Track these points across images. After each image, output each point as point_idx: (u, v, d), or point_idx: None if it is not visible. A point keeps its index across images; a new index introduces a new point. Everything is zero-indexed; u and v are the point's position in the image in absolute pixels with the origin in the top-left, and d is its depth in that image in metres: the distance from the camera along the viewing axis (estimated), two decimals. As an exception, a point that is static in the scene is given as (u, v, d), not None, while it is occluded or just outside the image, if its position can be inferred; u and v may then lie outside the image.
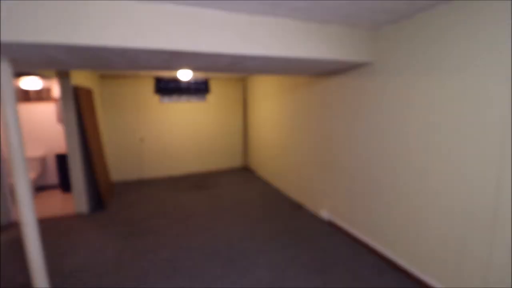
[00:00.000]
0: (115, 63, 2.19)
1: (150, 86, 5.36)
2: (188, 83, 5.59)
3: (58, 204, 4.17)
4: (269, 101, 4.76)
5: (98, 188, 3.90)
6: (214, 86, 5.85)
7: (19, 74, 2.69)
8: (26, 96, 4.81)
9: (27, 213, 1.95)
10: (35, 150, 4.85)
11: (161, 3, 1.68)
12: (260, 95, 5.17)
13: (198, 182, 5.19)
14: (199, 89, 5.69)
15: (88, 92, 4.08)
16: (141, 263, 2.50)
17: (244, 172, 5.82)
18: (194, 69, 2.67)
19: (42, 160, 4.84)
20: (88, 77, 4.34)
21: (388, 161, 2.35)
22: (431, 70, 1.93)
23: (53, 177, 5.01)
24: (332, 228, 3.09)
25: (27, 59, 1.89)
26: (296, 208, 3.73)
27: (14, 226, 3.40)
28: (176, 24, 1.75)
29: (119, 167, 5.37)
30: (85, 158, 3.83)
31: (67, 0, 1.51)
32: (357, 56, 2.32)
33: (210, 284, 2.18)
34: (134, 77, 5.23)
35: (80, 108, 3.64)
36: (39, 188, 4.93)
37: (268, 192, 4.47)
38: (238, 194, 4.40)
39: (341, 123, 2.89)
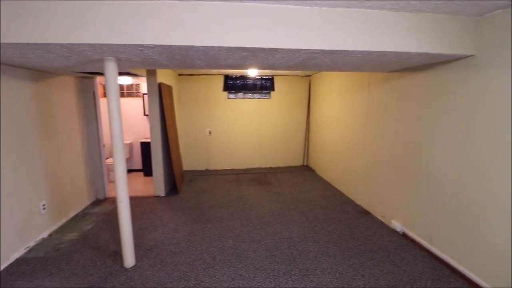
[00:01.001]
0: (197, 63, 2.38)
1: (219, 83, 5.69)
2: (254, 80, 5.74)
3: (141, 186, 4.80)
4: (336, 99, 4.53)
5: (173, 175, 4.35)
6: (278, 83, 5.87)
7: (119, 73, 3.17)
8: (120, 92, 5.66)
9: (122, 192, 2.29)
10: (125, 138, 5.68)
11: (242, 1, 1.74)
12: (326, 93, 4.97)
13: (259, 177, 5.31)
14: (264, 86, 5.79)
15: (169, 88, 4.56)
16: (209, 248, 2.68)
17: (304, 171, 5.71)
18: (266, 67, 2.70)
19: (130, 147, 5.63)
20: (170, 75, 4.84)
21: (489, 173, 1.97)
22: None
23: (137, 162, 5.79)
24: (406, 241, 2.77)
25: (129, 59, 2.20)
26: (362, 214, 3.48)
27: (108, 201, 4.05)
28: (256, 21, 1.79)
29: (189, 157, 5.87)
30: (164, 147, 4.30)
31: (163, 6, 1.69)
32: (456, 49, 1.99)
33: (274, 279, 2.20)
34: (206, 76, 5.62)
35: (162, 102, 4.09)
36: (127, 171, 5.75)
37: (330, 193, 4.28)
38: (298, 192, 4.34)
39: (425, 126, 2.55)
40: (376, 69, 2.95)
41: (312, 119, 5.83)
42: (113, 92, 2.18)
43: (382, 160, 3.23)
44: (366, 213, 3.50)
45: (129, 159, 5.75)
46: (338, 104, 4.46)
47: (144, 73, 3.64)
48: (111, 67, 2.15)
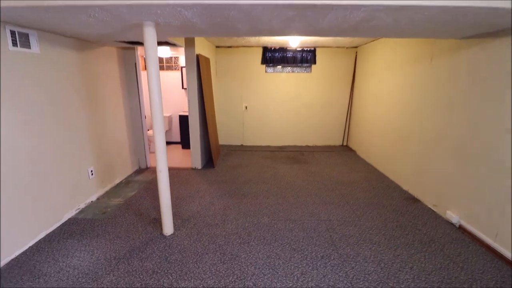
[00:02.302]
0: (238, 27, 2.18)
1: (257, 56, 5.43)
2: (294, 52, 5.36)
3: (179, 158, 4.93)
4: (386, 74, 4.03)
5: (209, 149, 4.36)
6: (321, 56, 5.42)
7: (158, 43, 3.12)
8: (160, 65, 5.72)
9: (162, 162, 2.29)
10: (164, 111, 5.81)
11: None
12: (375, 67, 4.45)
13: (295, 155, 5.13)
14: (305, 58, 5.40)
15: (207, 61, 4.44)
16: (244, 223, 2.64)
17: (344, 152, 5.37)
18: (313, 32, 2.41)
19: (169, 120, 5.77)
20: (207, 47, 4.70)
21: None
22: None
23: (176, 134, 5.95)
24: (463, 235, 2.45)
25: (168, 23, 2.08)
26: (410, 201, 3.15)
27: (149, 171, 4.22)
28: (309, -27, 1.51)
29: (225, 132, 5.86)
30: (202, 121, 4.29)
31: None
32: None
33: (311, 261, 2.09)
34: (245, 48, 5.38)
35: (200, 75, 4.00)
36: (166, 143, 5.96)
37: (372, 176, 3.97)
38: (337, 173, 4.10)
39: (505, 106, 2.10)
40: (445, 34, 2.48)
41: (356, 96, 5.36)
42: (153, 60, 2.11)
43: (444, 145, 2.81)
44: (414, 200, 3.17)
45: (168, 132, 5.92)
46: (389, 79, 3.97)
47: (183, 43, 3.54)
48: (150, 33, 2.06)
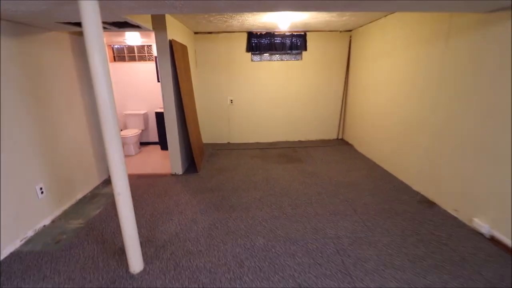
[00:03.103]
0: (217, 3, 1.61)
1: (242, 43, 4.82)
2: (282, 38, 4.80)
3: (157, 161, 4.33)
4: (389, 57, 3.56)
5: (191, 149, 3.79)
6: (312, 41, 4.88)
7: (117, 24, 2.48)
8: (131, 55, 5.00)
9: (120, 181, 1.72)
10: (139, 108, 5.14)
11: None
12: (374, 50, 3.98)
13: (287, 152, 4.64)
14: (294, 45, 4.85)
15: (183, 48, 3.81)
16: (234, 248, 2.14)
17: (340, 146, 4.94)
18: (311, 4, 1.87)
19: (145, 118, 5.11)
20: (184, 32, 4.05)
21: None
22: None
23: (153, 134, 5.30)
24: (499, 249, 2.05)
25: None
26: (425, 204, 2.75)
27: (121, 179, 3.60)
28: None
29: (209, 129, 5.28)
30: (180, 118, 3.70)
31: None
32: None
33: (321, 302, 1.62)
34: (227, 34, 4.76)
35: (175, 63, 3.38)
36: (142, 143, 5.32)
37: (376, 175, 3.54)
38: (337, 173, 3.65)
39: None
40: (469, 7, 2.01)
41: (352, 84, 4.90)
42: (95, 47, 1.49)
43: (465, 138, 2.39)
44: (430, 204, 2.77)
45: (144, 132, 5.27)
46: (392, 63, 3.51)
47: (150, 25, 2.89)
48: (89, 9, 1.45)
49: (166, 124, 3.58)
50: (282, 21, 3.54)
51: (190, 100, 3.97)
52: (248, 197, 3.00)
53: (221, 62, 4.92)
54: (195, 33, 4.76)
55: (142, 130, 5.10)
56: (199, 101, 5.03)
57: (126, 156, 4.65)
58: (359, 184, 3.29)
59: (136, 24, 2.48)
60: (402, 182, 3.29)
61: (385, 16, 3.65)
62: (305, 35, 4.83)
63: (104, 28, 2.60)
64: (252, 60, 4.97)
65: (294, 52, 4.96)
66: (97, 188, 3.37)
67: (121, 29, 2.69)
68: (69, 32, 2.98)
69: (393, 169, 3.56)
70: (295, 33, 4.80)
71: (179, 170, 3.75)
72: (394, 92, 3.48)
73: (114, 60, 5.01)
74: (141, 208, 2.81)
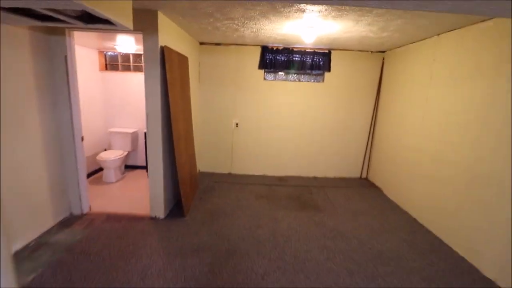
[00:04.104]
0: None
1: (254, 59, 4.10)
2: (302, 55, 4.07)
3: (138, 194, 3.48)
4: (443, 87, 2.74)
5: (179, 186, 2.94)
6: (337, 61, 4.13)
7: (88, 19, 1.76)
8: (125, 64, 4.33)
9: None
10: (128, 125, 4.39)
11: None
12: (419, 77, 3.17)
13: (300, 193, 3.75)
14: (316, 64, 4.10)
15: (182, 59, 3.08)
16: None
17: (365, 189, 4.03)
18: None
19: (134, 137, 4.33)
20: (185, 41, 3.35)
21: None
22: None
23: (142, 156, 4.50)
24: None
25: None
26: (514, 310, 1.80)
27: (85, 220, 2.76)
28: None
29: (208, 155, 4.45)
30: (167, 142, 2.89)
31: None
32: None
33: None
34: (238, 47, 4.05)
35: (166, 76, 2.62)
36: (128, 166, 4.51)
37: (423, 243, 2.60)
38: (368, 235, 2.72)
39: None
40: None
41: (383, 116, 4.07)
42: None
43: None
44: (523, 310, 1.82)
45: (132, 153, 4.47)
46: (453, 94, 2.68)
47: (130, 23, 2.07)
48: None
49: (148, 152, 2.78)
50: (307, 34, 2.79)
51: (185, 121, 3.18)
52: (247, 271, 2.09)
53: (228, 78, 4.19)
54: (201, 43, 4.07)
55: (129, 151, 4.31)
56: (199, 121, 4.26)
57: (104, 184, 3.83)
58: (402, 257, 2.36)
59: (104, 17, 1.73)
60: (464, 260, 2.34)
61: (438, 35, 2.87)
62: (329, 53, 4.08)
63: (66, 22, 1.88)
64: (264, 79, 4.22)
65: (314, 72, 4.21)
66: (48, 232, 2.52)
67: (89, 25, 1.95)
68: (29, 28, 2.27)
69: (448, 237, 2.62)
70: (318, 51, 4.07)
71: (160, 212, 2.89)
72: (447, 132, 2.62)
73: (106, 69, 4.33)
74: (91, 279, 1.93)
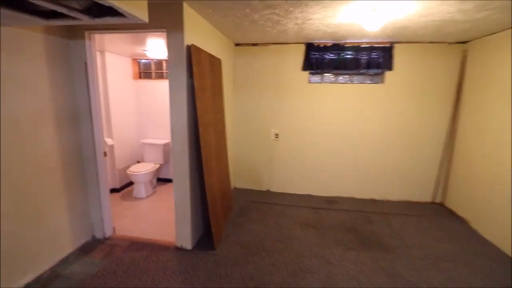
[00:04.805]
0: None
1: (297, 59, 3.51)
2: (356, 52, 3.36)
3: (168, 214, 3.08)
4: None
5: (208, 212, 2.45)
6: (401, 57, 3.33)
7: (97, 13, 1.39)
8: (159, 71, 4.09)
9: None
10: (161, 137, 4.11)
11: None
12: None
13: (356, 221, 3.00)
14: (374, 62, 3.35)
15: (214, 61, 2.63)
16: None
17: (442, 219, 3.11)
18: None
19: (166, 149, 4.02)
20: (218, 41, 2.91)
21: None
22: None
23: (174, 170, 4.17)
24: None
25: None
26: None
27: (106, 245, 2.42)
28: None
29: (243, 170, 3.95)
30: (195, 157, 2.43)
31: None
32: None
33: None
34: (278, 46, 3.51)
35: (193, 81, 2.18)
36: (160, 179, 4.22)
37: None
38: (467, 294, 1.91)
39: None
40: None
41: (468, 124, 3.14)
42: None
43: None
44: None
45: (164, 166, 4.18)
46: None
47: (145, 14, 1.62)
48: None
49: (173, 171, 2.34)
50: (371, 19, 2.12)
51: (217, 134, 2.72)
52: None
53: (266, 83, 3.66)
54: (236, 44, 3.62)
55: (161, 164, 4.01)
56: (233, 132, 3.79)
57: (134, 199, 3.55)
58: None
59: (108, 4, 1.31)
60: None
61: None
62: (391, 48, 3.31)
63: (72, 18, 1.55)
64: (309, 82, 3.59)
65: (371, 72, 3.45)
66: (65, 260, 2.22)
67: (96, 19, 1.57)
68: (43, 30, 2.01)
69: None
70: (376, 45, 3.32)
71: (187, 242, 2.42)
72: None
73: (140, 77, 4.13)
74: None
